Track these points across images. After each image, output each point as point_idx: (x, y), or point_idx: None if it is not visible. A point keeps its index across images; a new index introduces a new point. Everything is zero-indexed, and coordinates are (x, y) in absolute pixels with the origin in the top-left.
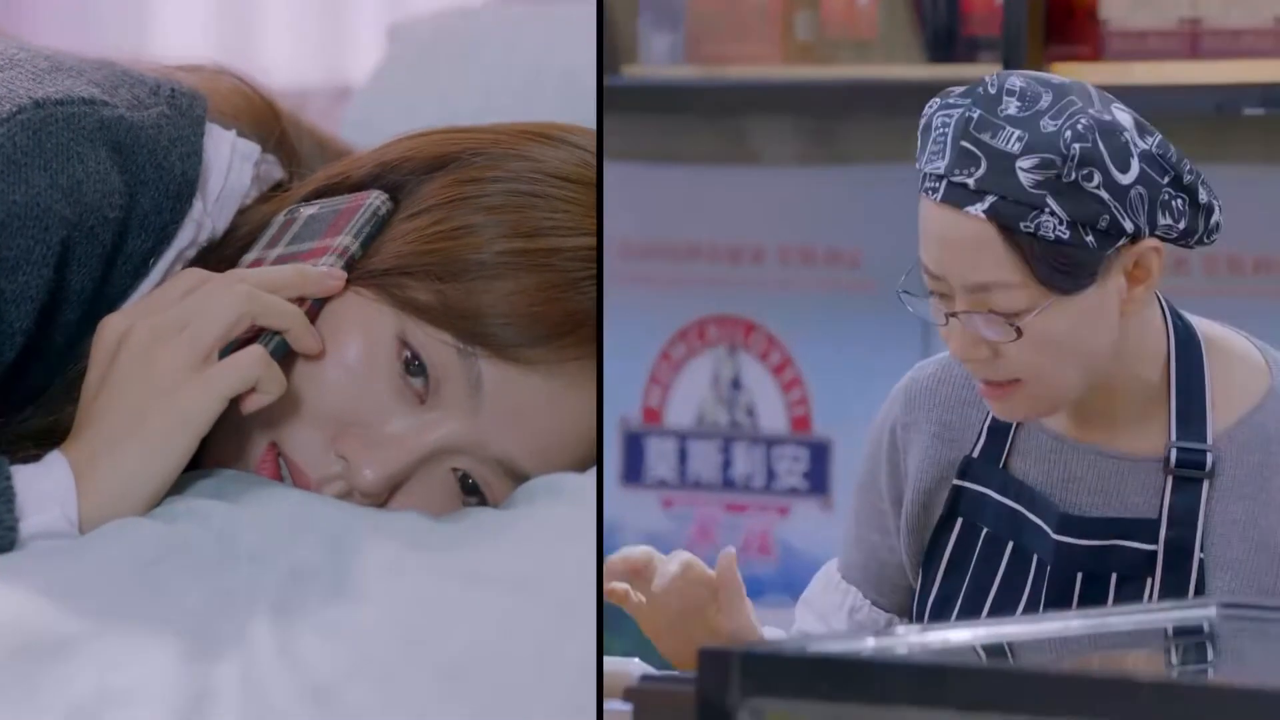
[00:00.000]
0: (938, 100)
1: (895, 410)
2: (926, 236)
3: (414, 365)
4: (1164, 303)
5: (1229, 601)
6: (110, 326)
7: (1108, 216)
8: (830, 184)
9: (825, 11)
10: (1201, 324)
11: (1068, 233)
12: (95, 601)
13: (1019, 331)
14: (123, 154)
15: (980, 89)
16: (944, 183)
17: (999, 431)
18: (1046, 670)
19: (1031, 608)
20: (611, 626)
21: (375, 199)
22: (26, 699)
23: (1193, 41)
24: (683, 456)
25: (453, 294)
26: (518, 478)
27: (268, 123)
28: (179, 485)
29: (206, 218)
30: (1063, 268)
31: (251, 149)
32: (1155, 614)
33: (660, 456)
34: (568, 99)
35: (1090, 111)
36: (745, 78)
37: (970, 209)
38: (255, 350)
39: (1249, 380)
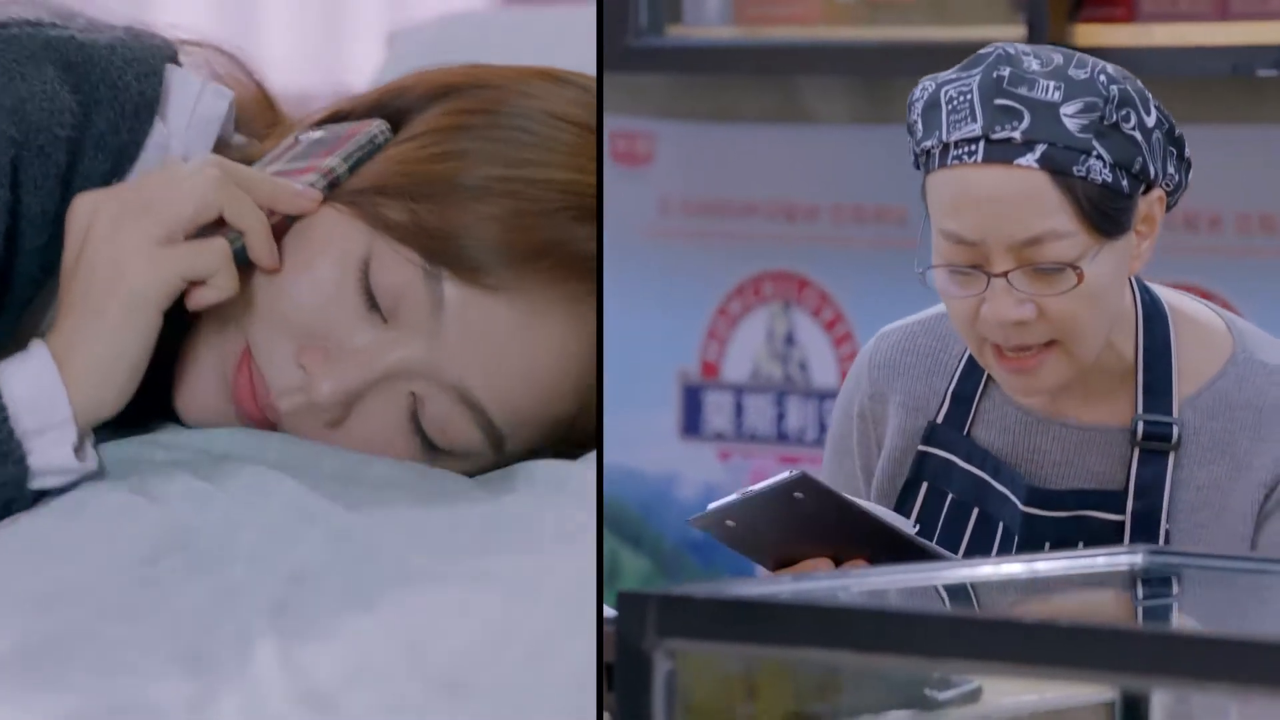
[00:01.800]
0: (929, 81)
1: (861, 383)
2: (961, 202)
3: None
4: (1133, 283)
5: (1157, 549)
6: (81, 205)
7: (1140, 159)
8: (879, 143)
9: None
10: (1166, 294)
11: (1111, 176)
12: (95, 603)
13: (1080, 276)
14: (74, 72)
15: (988, 57)
16: (982, 144)
17: (963, 399)
18: (947, 614)
19: None
20: None
21: (375, 127)
22: (25, 704)
23: (1223, 4)
24: (739, 410)
25: (424, 213)
26: (475, 410)
27: (262, 109)
28: (179, 457)
29: (173, 140)
30: (1110, 212)
31: (226, 90)
32: (1083, 560)
33: (717, 409)
34: None
35: (1103, 63)
36: (788, 38)
37: (1021, 160)
38: (218, 242)
39: (1212, 348)
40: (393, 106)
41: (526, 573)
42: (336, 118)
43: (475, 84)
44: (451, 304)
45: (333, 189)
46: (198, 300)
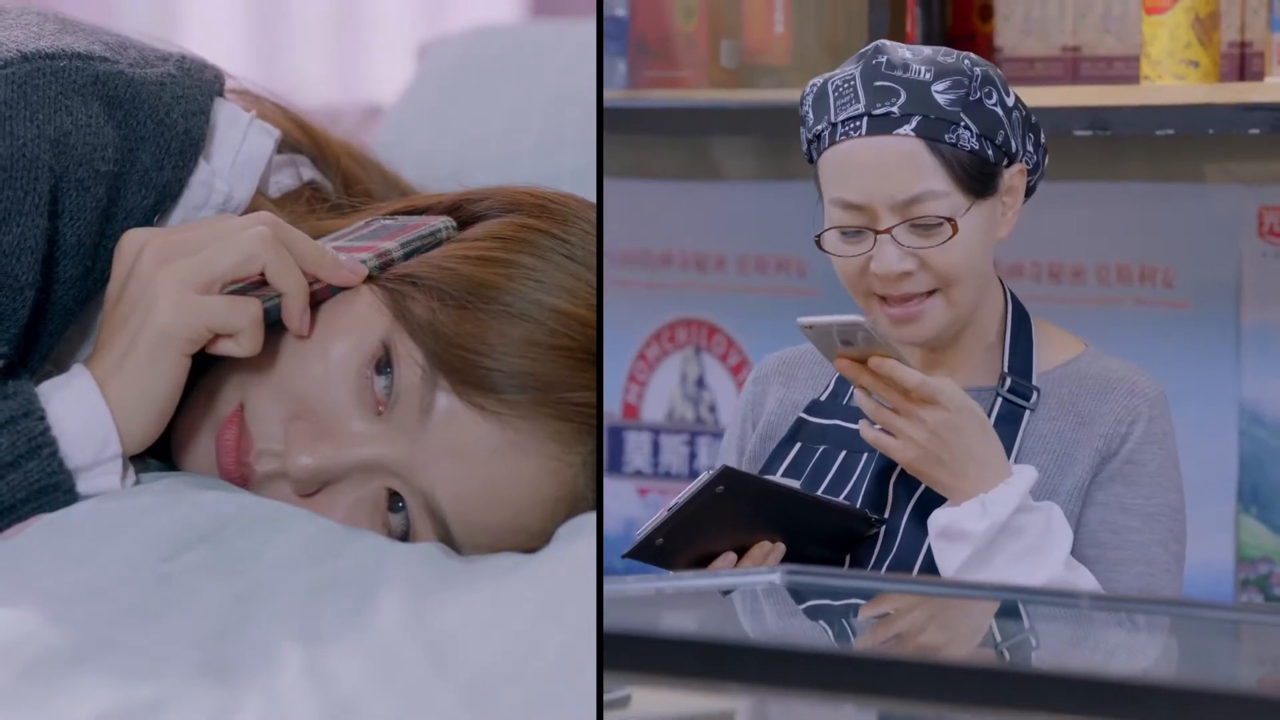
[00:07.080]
0: (816, 81)
1: (747, 387)
2: (849, 171)
3: (384, 373)
4: (1004, 283)
5: (794, 570)
6: (130, 240)
7: (1003, 132)
8: (780, 198)
9: (747, 40)
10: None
11: (978, 145)
12: (113, 606)
13: (955, 228)
14: (121, 108)
15: (866, 52)
16: (865, 119)
17: (846, 382)
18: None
19: (855, 493)
20: None
21: (440, 221)
22: (46, 712)
23: (1074, 67)
24: (655, 449)
25: (442, 315)
26: (437, 519)
27: (294, 136)
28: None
29: (218, 180)
30: (978, 175)
31: (272, 128)
32: (729, 578)
33: (637, 448)
34: (589, 119)
35: (966, 52)
36: (680, 101)
37: (899, 130)
38: (251, 303)
39: (1067, 344)
40: (468, 210)
41: (546, 597)
42: (413, 210)
43: (545, 203)
44: (439, 414)
45: (384, 270)
46: (217, 349)
